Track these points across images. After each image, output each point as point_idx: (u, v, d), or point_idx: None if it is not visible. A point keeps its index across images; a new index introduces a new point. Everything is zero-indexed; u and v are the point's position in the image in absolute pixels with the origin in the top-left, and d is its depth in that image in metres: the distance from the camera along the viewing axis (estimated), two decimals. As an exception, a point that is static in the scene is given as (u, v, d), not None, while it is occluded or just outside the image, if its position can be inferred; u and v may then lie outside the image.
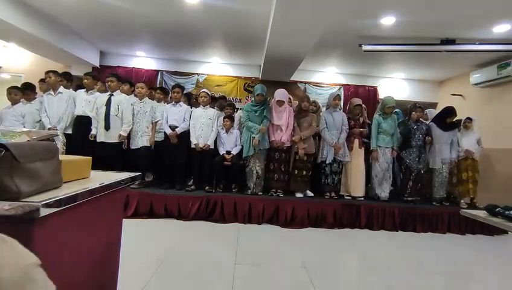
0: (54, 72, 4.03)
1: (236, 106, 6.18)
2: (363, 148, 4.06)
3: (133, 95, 4.29)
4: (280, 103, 3.86)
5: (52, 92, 4.00)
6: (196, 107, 4.08)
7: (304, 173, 3.92)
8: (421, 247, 3.31)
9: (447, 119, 4.16)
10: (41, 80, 4.48)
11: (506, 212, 1.48)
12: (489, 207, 1.57)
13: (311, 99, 4.30)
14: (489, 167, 4.64)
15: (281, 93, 3.90)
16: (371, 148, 4.04)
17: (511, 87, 5.13)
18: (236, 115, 4.38)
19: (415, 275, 2.49)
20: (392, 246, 3.27)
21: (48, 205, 0.76)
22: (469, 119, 4.39)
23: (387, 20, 3.96)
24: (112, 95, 3.78)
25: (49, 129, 3.84)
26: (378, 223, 3.78)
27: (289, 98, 4.44)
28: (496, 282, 2.51)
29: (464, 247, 3.41)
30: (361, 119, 4.13)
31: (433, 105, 6.55)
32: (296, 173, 3.92)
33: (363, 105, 4.26)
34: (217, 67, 6.73)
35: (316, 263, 2.55)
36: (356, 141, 4.05)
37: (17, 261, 0.36)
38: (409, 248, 3.25)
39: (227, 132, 4.01)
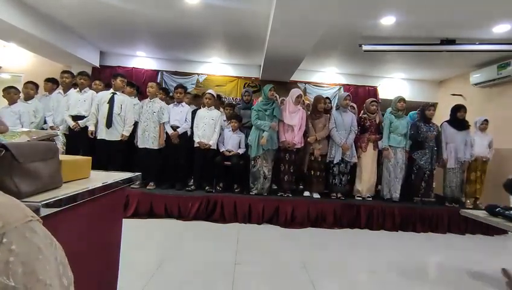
0: (70, 72, 4.09)
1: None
2: (377, 150, 4.08)
3: (133, 96, 4.30)
4: (299, 98, 3.84)
5: (61, 92, 4.02)
6: (202, 107, 4.08)
7: (319, 173, 3.95)
8: (421, 247, 3.31)
9: (457, 114, 4.14)
10: (49, 80, 4.48)
11: (506, 212, 1.48)
12: (490, 207, 1.58)
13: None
14: (489, 167, 4.63)
15: (296, 91, 3.92)
16: (382, 146, 4.04)
17: (511, 87, 5.13)
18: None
19: (415, 275, 2.49)
20: (392, 246, 3.27)
21: (48, 205, 0.76)
22: (486, 121, 4.35)
23: (387, 20, 3.95)
24: (115, 93, 3.78)
25: (50, 128, 3.85)
26: (378, 223, 3.78)
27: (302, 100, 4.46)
28: (495, 282, 2.51)
29: (464, 247, 3.41)
30: (377, 119, 4.12)
31: (433, 105, 6.54)
32: (312, 173, 3.94)
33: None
34: (217, 67, 6.72)
35: (316, 263, 2.55)
36: (371, 143, 4.06)
37: (20, 212, 0.38)
38: (409, 248, 3.25)
39: (233, 131, 4.00)
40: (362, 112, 4.28)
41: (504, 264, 2.95)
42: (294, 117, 3.85)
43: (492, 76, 5.16)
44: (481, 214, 1.60)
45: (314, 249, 2.95)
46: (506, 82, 5.11)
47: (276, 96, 4.12)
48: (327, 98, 4.59)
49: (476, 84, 5.58)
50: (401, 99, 4.09)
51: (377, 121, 4.11)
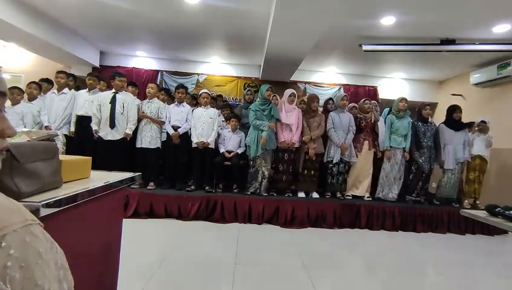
0: (65, 73, 4.12)
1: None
2: (372, 151, 4.07)
3: (135, 96, 4.31)
4: (292, 97, 3.87)
5: (55, 91, 4.04)
6: (198, 107, 4.09)
7: (313, 172, 3.94)
8: (421, 247, 3.31)
9: (453, 115, 4.14)
10: (44, 80, 4.49)
11: (506, 212, 1.48)
12: (489, 207, 1.57)
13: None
14: (489, 167, 4.63)
15: (289, 90, 3.96)
16: (384, 147, 4.04)
17: (511, 87, 5.13)
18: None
19: (415, 275, 2.49)
20: (392, 246, 3.27)
21: (48, 205, 0.76)
22: (483, 122, 4.35)
23: (387, 20, 3.95)
24: (117, 93, 3.78)
25: (45, 127, 3.86)
26: (378, 223, 3.78)
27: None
28: (495, 282, 2.51)
29: (464, 247, 3.41)
30: (372, 118, 4.12)
31: (433, 105, 6.54)
32: (305, 173, 3.93)
33: (375, 101, 4.25)
34: (217, 67, 6.72)
35: (316, 263, 2.55)
36: (366, 143, 4.05)
37: (21, 215, 0.37)
38: (409, 248, 3.25)
39: (233, 131, 4.01)
40: (356, 111, 4.27)
41: (504, 264, 2.95)
42: (291, 116, 3.88)
43: (492, 76, 5.16)
44: (481, 214, 1.60)
45: (314, 249, 2.95)
46: (506, 82, 5.11)
47: (276, 96, 4.15)
48: (330, 98, 4.58)
49: (476, 84, 5.58)
50: (402, 99, 4.09)
51: (372, 121, 4.11)
